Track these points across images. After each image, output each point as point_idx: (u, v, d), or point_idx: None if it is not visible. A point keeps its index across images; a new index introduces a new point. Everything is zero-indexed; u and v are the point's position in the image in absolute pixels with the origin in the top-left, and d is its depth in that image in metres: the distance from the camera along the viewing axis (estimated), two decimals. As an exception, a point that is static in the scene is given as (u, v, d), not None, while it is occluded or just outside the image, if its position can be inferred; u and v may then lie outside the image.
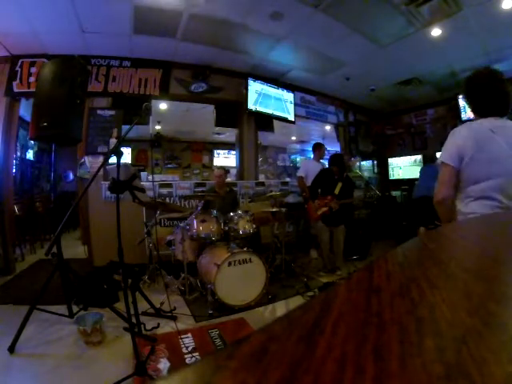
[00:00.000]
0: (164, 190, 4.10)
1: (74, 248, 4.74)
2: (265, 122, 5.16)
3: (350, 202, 3.68)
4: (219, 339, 2.15)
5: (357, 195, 4.30)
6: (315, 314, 0.24)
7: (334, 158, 3.64)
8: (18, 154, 5.59)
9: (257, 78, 4.83)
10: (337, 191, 3.48)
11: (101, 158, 3.85)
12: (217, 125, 5.10)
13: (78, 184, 4.97)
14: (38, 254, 4.66)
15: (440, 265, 0.41)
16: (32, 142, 6.16)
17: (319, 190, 3.59)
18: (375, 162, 6.93)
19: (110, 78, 4.13)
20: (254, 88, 4.78)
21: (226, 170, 3.79)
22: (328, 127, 7.04)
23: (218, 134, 8.32)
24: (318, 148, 4.52)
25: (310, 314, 0.24)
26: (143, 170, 7.06)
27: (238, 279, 2.62)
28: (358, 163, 6.44)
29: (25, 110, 4.18)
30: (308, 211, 3.72)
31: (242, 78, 4.76)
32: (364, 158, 6.76)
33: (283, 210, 3.61)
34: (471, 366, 0.16)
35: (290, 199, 4.54)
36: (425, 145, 6.28)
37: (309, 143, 10.05)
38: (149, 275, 3.25)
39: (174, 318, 2.38)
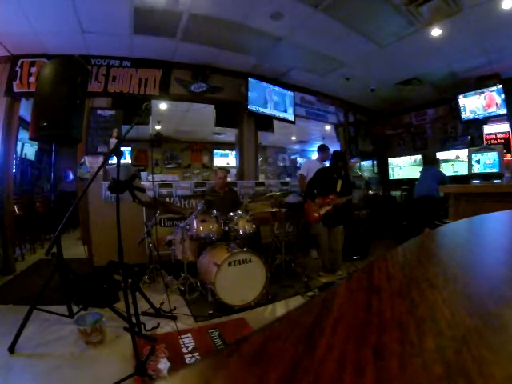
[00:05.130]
0: (164, 190, 4.10)
1: (74, 248, 4.74)
2: (265, 122, 5.16)
3: (349, 200, 3.68)
4: (219, 339, 2.15)
5: (357, 195, 4.30)
6: (315, 314, 0.24)
7: (340, 155, 3.63)
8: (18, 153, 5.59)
9: (257, 77, 4.83)
10: (338, 188, 3.49)
11: (101, 158, 3.85)
12: (217, 125, 5.11)
13: (77, 184, 4.96)
14: (38, 254, 4.66)
15: (440, 265, 0.41)
16: (32, 141, 6.15)
17: (315, 191, 3.58)
18: (375, 162, 6.93)
19: (110, 78, 4.13)
20: (255, 88, 4.78)
21: (227, 171, 3.80)
22: (328, 127, 7.04)
23: (218, 134, 8.31)
24: (323, 150, 4.47)
25: (310, 314, 0.24)
26: (143, 170, 7.05)
27: (238, 279, 2.62)
28: (358, 164, 6.44)
29: (25, 110, 4.18)
30: (306, 212, 3.70)
31: (241, 77, 4.76)
32: (364, 158, 6.76)
33: (283, 210, 3.61)
34: (471, 366, 0.16)
35: (290, 199, 4.54)
36: (425, 145, 6.28)
37: (309, 143, 10.05)
38: (149, 275, 3.25)
39: (174, 318, 2.38)
